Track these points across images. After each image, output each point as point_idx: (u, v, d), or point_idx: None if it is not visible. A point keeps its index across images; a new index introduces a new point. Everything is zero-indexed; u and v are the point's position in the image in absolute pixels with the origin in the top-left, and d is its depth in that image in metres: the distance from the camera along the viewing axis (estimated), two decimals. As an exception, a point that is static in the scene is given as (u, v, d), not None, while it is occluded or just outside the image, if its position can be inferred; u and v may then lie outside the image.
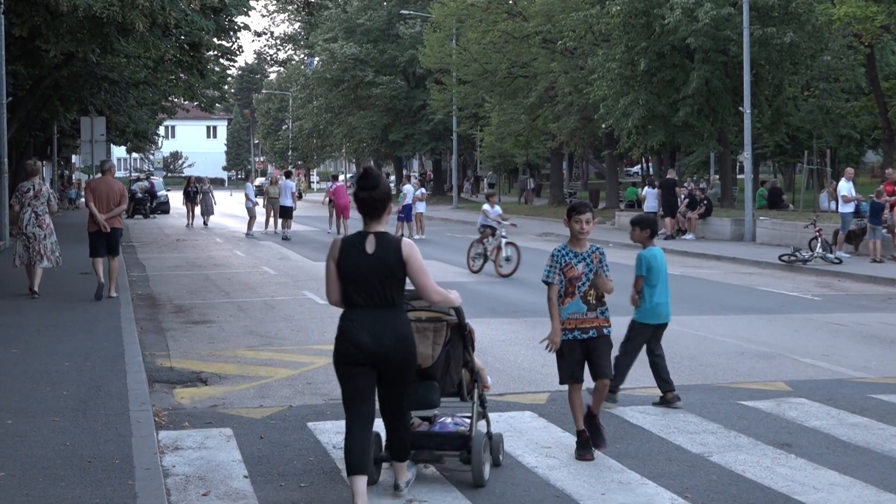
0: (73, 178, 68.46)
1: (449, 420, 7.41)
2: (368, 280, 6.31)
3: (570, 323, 7.75)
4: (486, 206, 22.25)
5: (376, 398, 6.51)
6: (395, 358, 6.30)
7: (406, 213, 32.62)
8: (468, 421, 7.24)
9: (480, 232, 21.85)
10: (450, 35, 51.36)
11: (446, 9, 49.54)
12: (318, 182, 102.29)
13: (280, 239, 32.33)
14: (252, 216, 35.22)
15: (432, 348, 6.97)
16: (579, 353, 7.77)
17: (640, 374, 10.92)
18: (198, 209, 40.56)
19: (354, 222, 36.42)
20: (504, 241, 21.16)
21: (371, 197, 6.29)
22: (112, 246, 16.24)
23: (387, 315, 6.32)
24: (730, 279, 20.61)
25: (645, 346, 9.46)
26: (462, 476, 7.22)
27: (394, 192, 37.81)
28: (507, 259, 20.95)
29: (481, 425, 7.27)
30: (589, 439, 7.79)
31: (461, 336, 7.10)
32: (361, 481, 6.26)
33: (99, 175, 16.87)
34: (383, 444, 6.94)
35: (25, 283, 16.63)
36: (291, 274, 21.61)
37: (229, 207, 56.69)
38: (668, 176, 33.84)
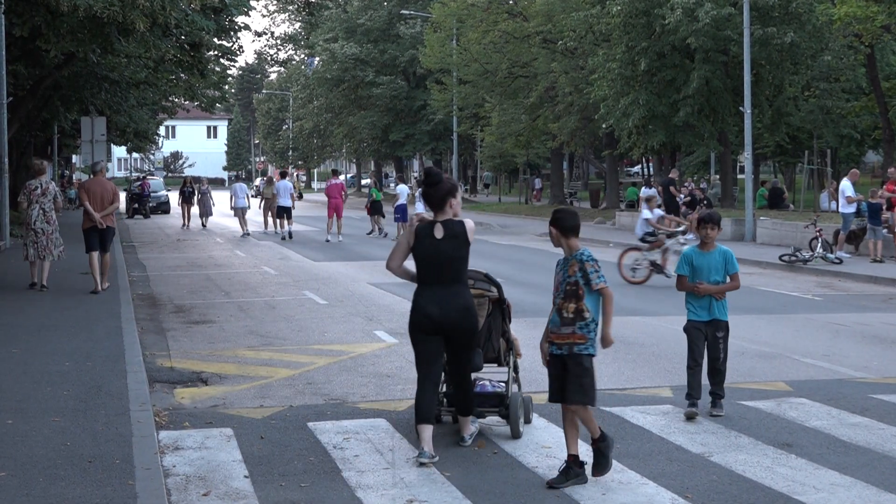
0: (74, 177, 68.45)
1: (487, 382, 8.47)
2: (437, 262, 7.59)
3: (549, 335, 7.30)
4: (646, 213, 20.01)
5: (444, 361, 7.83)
6: (461, 326, 7.60)
7: (402, 214, 32.47)
8: (503, 384, 8.35)
9: (647, 242, 19.62)
10: (450, 35, 51.40)
11: (447, 9, 49.56)
12: (316, 182, 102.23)
13: (280, 239, 32.31)
14: (240, 217, 34.97)
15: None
16: (557, 369, 7.23)
17: (639, 375, 10.93)
18: (195, 210, 40.12)
19: (350, 221, 36.43)
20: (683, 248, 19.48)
21: (431, 192, 7.64)
22: (106, 243, 16.85)
23: (453, 290, 7.60)
24: (730, 279, 20.60)
25: (696, 349, 9.11)
26: (462, 476, 7.23)
27: (394, 192, 37.66)
28: None
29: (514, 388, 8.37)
30: (573, 465, 7.13)
31: (501, 309, 8.29)
32: (427, 429, 7.53)
33: (91, 176, 17.60)
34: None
35: (27, 279, 17.27)
36: (292, 274, 21.61)
37: (230, 207, 56.63)
38: (669, 175, 33.89)
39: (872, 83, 38.02)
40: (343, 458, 7.68)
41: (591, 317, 7.17)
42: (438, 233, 7.60)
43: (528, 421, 8.48)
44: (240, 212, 35.19)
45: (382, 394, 9.99)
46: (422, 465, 7.42)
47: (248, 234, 33.90)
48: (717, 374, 9.16)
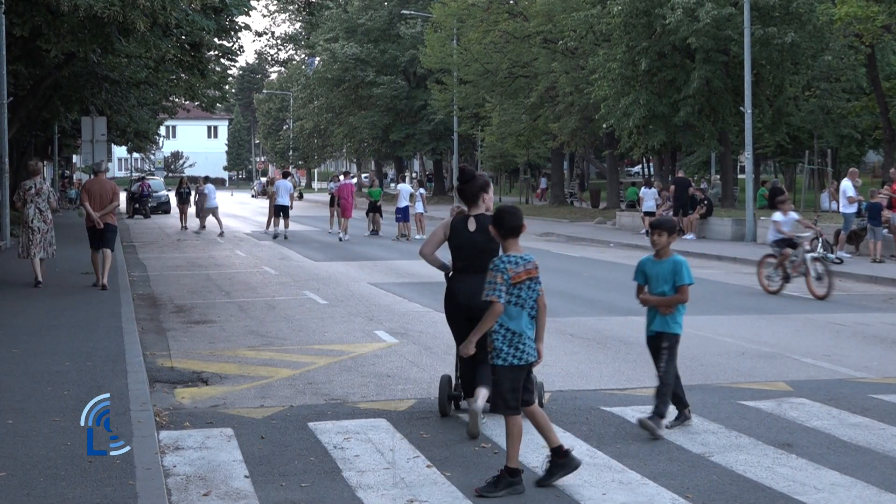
0: (74, 178, 68.43)
1: None
2: (470, 252, 8.37)
3: None
4: (777, 216, 18.28)
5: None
6: (483, 310, 7.78)
7: (403, 214, 32.60)
8: None
9: (776, 249, 18.14)
10: (451, 35, 51.38)
11: (447, 9, 49.55)
12: (317, 182, 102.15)
13: (272, 238, 32.37)
14: (212, 216, 36.17)
15: None
16: None
17: (640, 375, 10.93)
18: (191, 210, 39.88)
19: (355, 222, 36.50)
20: (810, 257, 17.86)
21: (465, 188, 8.39)
22: (106, 240, 17.26)
23: (482, 277, 7.60)
24: (731, 279, 20.60)
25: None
26: (462, 476, 7.23)
27: (394, 192, 37.97)
28: (818, 278, 17.62)
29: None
30: (555, 457, 7.09)
31: None
32: (483, 392, 8.19)
33: (92, 176, 18.22)
34: (454, 384, 8.96)
35: (27, 279, 17.72)
36: (292, 274, 21.62)
37: (230, 207, 56.71)
38: (678, 175, 33.93)
39: (873, 83, 38.02)
40: (343, 458, 7.68)
41: (493, 326, 7.05)
42: (472, 226, 8.41)
43: (541, 404, 8.72)
44: (211, 211, 36.15)
45: (383, 394, 9.99)
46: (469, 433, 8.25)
47: (202, 231, 35.22)
48: (659, 388, 8.51)
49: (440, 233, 8.52)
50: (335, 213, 34.58)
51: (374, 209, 34.65)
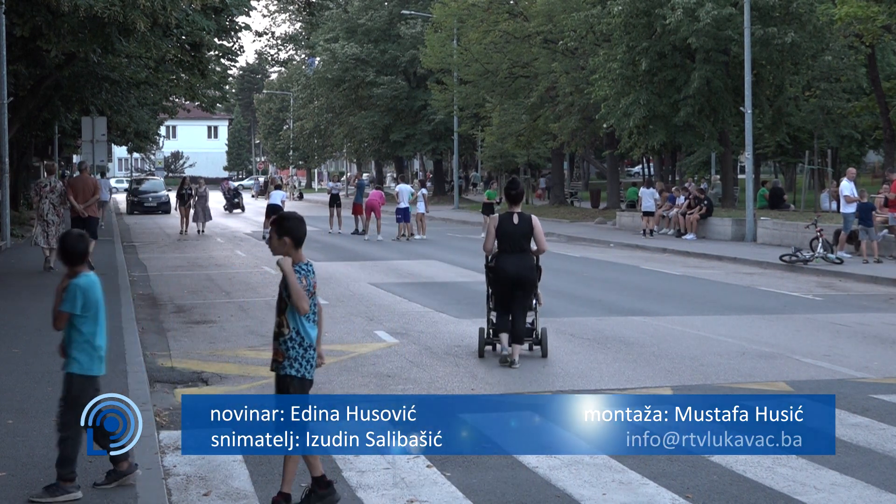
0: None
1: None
2: (514, 238, 11.40)
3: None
4: None
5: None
6: (525, 279, 11.40)
7: (403, 215, 32.66)
8: (530, 323, 11.78)
9: None
10: (451, 35, 51.36)
11: (447, 9, 49.54)
12: (317, 181, 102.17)
13: (261, 237, 32.46)
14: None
15: None
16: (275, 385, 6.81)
17: (639, 375, 10.93)
18: (191, 212, 39.46)
19: (349, 221, 36.52)
20: None
21: (515, 193, 11.47)
22: (90, 231, 18.73)
23: (522, 256, 11.42)
24: (731, 279, 20.60)
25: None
26: (462, 476, 7.22)
27: (394, 191, 38.20)
28: None
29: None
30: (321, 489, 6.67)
31: (538, 274, 11.70)
32: (505, 336, 11.48)
33: (77, 173, 20.77)
34: (487, 332, 11.90)
35: (28, 278, 18.30)
36: (292, 274, 21.58)
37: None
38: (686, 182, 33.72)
39: (873, 83, 37.99)
40: (343, 458, 7.68)
41: (290, 333, 6.70)
42: (515, 220, 11.39)
43: (542, 345, 11.80)
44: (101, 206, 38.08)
45: (383, 394, 9.98)
46: (509, 363, 11.20)
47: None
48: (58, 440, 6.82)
49: (492, 231, 11.45)
50: (335, 214, 35.16)
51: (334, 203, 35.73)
